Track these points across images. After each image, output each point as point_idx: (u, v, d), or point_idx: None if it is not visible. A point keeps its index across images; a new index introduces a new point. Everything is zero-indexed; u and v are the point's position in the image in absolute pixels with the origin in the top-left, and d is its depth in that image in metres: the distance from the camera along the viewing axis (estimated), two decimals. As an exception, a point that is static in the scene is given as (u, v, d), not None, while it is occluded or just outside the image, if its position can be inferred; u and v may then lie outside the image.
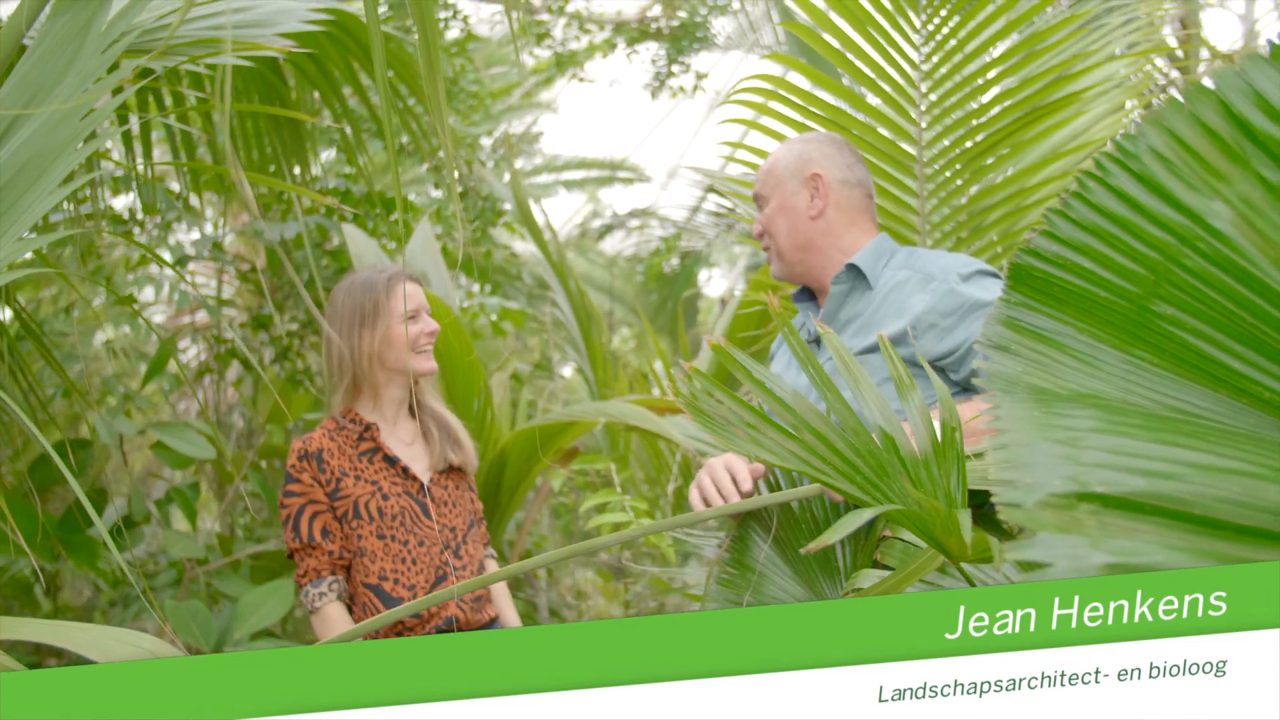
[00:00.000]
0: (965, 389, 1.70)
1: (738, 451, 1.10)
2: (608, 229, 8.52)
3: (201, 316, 5.06)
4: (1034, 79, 2.17)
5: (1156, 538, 0.70)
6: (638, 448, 3.33)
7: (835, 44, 2.12)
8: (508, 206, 5.45)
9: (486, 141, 6.38)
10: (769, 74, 2.17)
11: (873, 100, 2.22)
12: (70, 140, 1.95)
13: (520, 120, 7.55)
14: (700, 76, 5.63)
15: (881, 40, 2.12)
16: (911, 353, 1.68)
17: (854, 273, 1.77)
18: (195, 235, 4.64)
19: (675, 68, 5.47)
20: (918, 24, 2.11)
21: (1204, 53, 3.17)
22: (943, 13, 2.11)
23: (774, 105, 2.21)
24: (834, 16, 2.11)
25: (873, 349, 1.72)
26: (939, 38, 2.13)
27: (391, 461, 2.01)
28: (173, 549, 2.83)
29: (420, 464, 2.05)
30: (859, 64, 2.16)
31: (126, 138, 3.00)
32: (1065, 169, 2.30)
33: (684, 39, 5.32)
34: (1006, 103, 2.19)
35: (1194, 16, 3.31)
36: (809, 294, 1.90)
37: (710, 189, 5.24)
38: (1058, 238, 0.83)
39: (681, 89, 5.64)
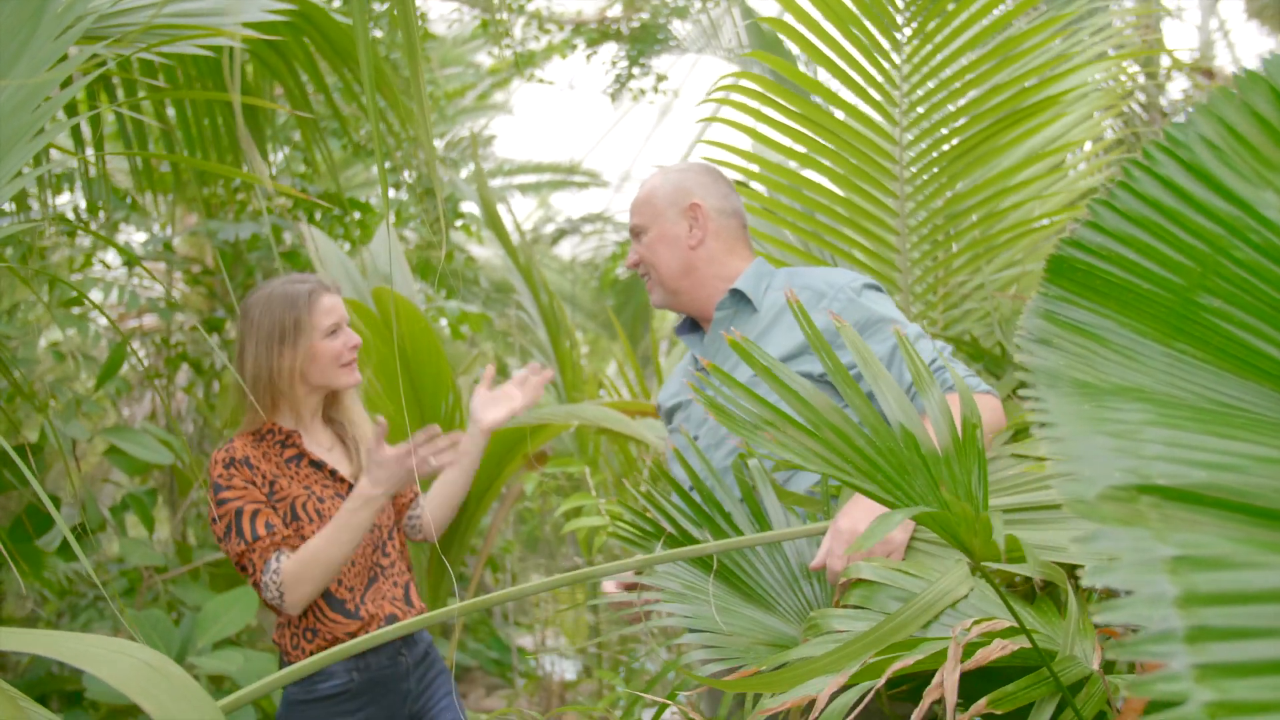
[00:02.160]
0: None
1: (759, 445, 1.08)
2: (561, 234, 8.46)
3: (149, 320, 4.92)
4: (1010, 83, 2.18)
5: (1219, 530, 0.69)
6: (607, 451, 3.29)
7: (817, 43, 2.11)
8: (465, 208, 5.38)
9: (439, 144, 6.29)
10: (748, 72, 2.15)
11: (853, 100, 2.22)
12: (23, 131, 1.87)
13: (474, 122, 7.48)
14: (660, 79, 5.62)
15: (865, 40, 2.12)
16: (807, 371, 1.70)
17: (737, 297, 1.81)
18: (143, 236, 4.51)
19: (635, 70, 5.45)
20: (900, 22, 2.11)
21: (1164, 60, 3.23)
22: (923, 16, 2.11)
23: (755, 105, 2.20)
24: (816, 15, 2.10)
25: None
26: (920, 38, 2.13)
27: (318, 465, 1.96)
28: (130, 557, 2.73)
29: (344, 468, 2.00)
30: (840, 63, 2.16)
31: (75, 131, 2.89)
32: (1040, 172, 2.32)
33: (645, 40, 5.30)
34: (984, 106, 2.20)
35: (1155, 24, 3.37)
36: (691, 325, 1.93)
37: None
38: (1102, 229, 0.82)
39: (642, 91, 5.63)
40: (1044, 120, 2.21)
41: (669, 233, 1.82)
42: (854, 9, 2.09)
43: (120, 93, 2.69)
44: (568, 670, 3.87)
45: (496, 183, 8.78)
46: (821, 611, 1.42)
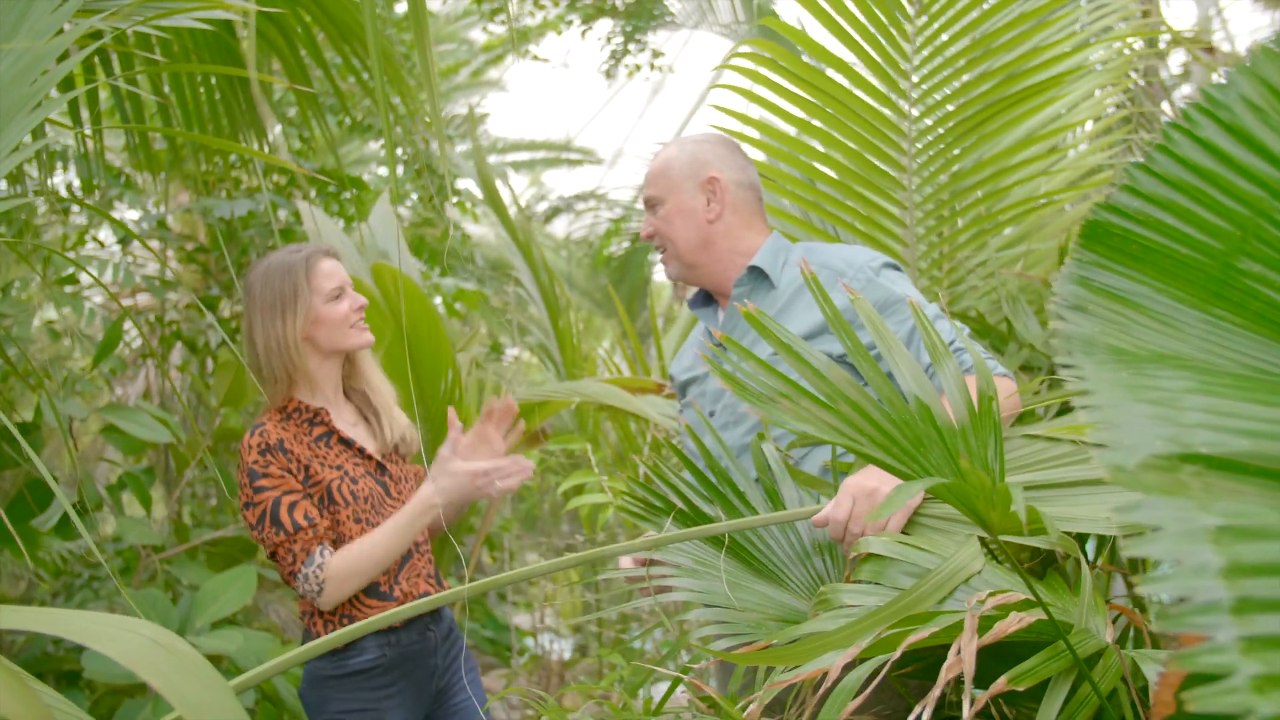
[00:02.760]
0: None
1: (777, 417, 1.06)
2: (555, 211, 8.42)
3: (143, 299, 4.87)
4: (1016, 61, 2.16)
5: (1263, 499, 0.68)
6: (606, 428, 3.28)
7: (831, 12, 2.09)
8: (460, 185, 5.34)
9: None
10: (762, 40, 2.13)
11: (864, 73, 2.19)
12: (22, 104, 1.84)
13: (468, 99, 7.41)
14: (656, 55, 5.57)
15: (878, 12, 2.09)
16: (826, 350, 1.68)
17: (755, 274, 1.79)
18: (136, 214, 4.47)
19: (631, 46, 5.40)
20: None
21: (1163, 37, 3.21)
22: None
23: (768, 74, 2.17)
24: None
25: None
26: (929, 15, 2.11)
27: (348, 444, 1.93)
28: (128, 535, 2.71)
29: (370, 445, 1.98)
30: (854, 34, 2.13)
31: (71, 107, 2.85)
32: (1043, 151, 2.30)
33: (640, 16, 5.24)
34: (989, 84, 2.18)
35: (1154, 2, 3.34)
36: (704, 298, 1.91)
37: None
38: (1139, 193, 0.80)
39: (638, 67, 5.58)
40: (1049, 98, 2.19)
41: (686, 205, 1.80)
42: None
43: (117, 67, 2.65)
44: (565, 649, 3.87)
45: (491, 160, 8.72)
46: (832, 586, 1.40)
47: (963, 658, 1.03)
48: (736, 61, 2.17)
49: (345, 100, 3.01)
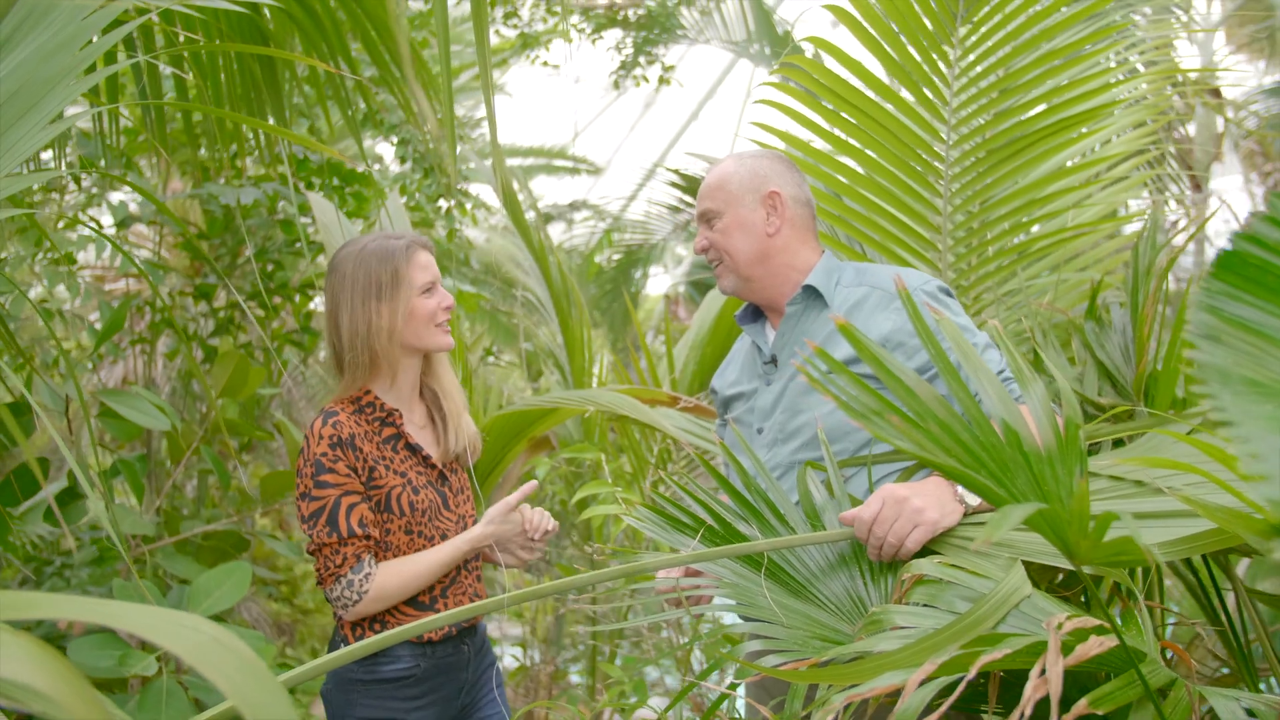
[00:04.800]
0: None
1: (879, 434, 1.04)
2: (547, 219, 8.38)
3: (134, 282, 4.78)
4: (1052, 93, 2.17)
5: None
6: (614, 439, 3.25)
7: (876, 35, 2.08)
8: (460, 186, 5.29)
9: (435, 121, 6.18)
10: (804, 57, 2.12)
11: (905, 95, 2.19)
12: (65, 73, 1.80)
13: (469, 101, 7.38)
14: (667, 69, 5.57)
15: (922, 38, 2.09)
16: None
17: (809, 293, 1.79)
18: (136, 198, 4.39)
19: (641, 58, 5.39)
20: (957, 21, 2.09)
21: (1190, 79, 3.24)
22: (982, 11, 2.08)
23: (807, 91, 2.16)
24: (876, 7, 2.07)
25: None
26: (975, 38, 2.11)
27: (414, 450, 1.89)
28: (119, 524, 2.64)
29: (434, 451, 1.94)
30: (895, 56, 2.13)
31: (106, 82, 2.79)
32: (1077, 183, 2.31)
33: (650, 27, 5.24)
34: (1028, 114, 2.18)
35: (1171, 45, 3.38)
36: (754, 314, 1.91)
37: (676, 185, 5.17)
38: (1282, 224, 0.79)
39: (645, 79, 5.58)
40: (1082, 133, 2.20)
41: (745, 219, 1.80)
42: (915, 5, 2.06)
43: (139, 46, 2.60)
44: (554, 662, 3.82)
45: (486, 164, 8.67)
46: (884, 608, 1.39)
47: (1048, 678, 1.01)
48: (778, 79, 2.16)
49: (366, 91, 2.97)
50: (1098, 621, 1.14)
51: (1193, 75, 3.95)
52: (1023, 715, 0.98)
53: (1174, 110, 3.35)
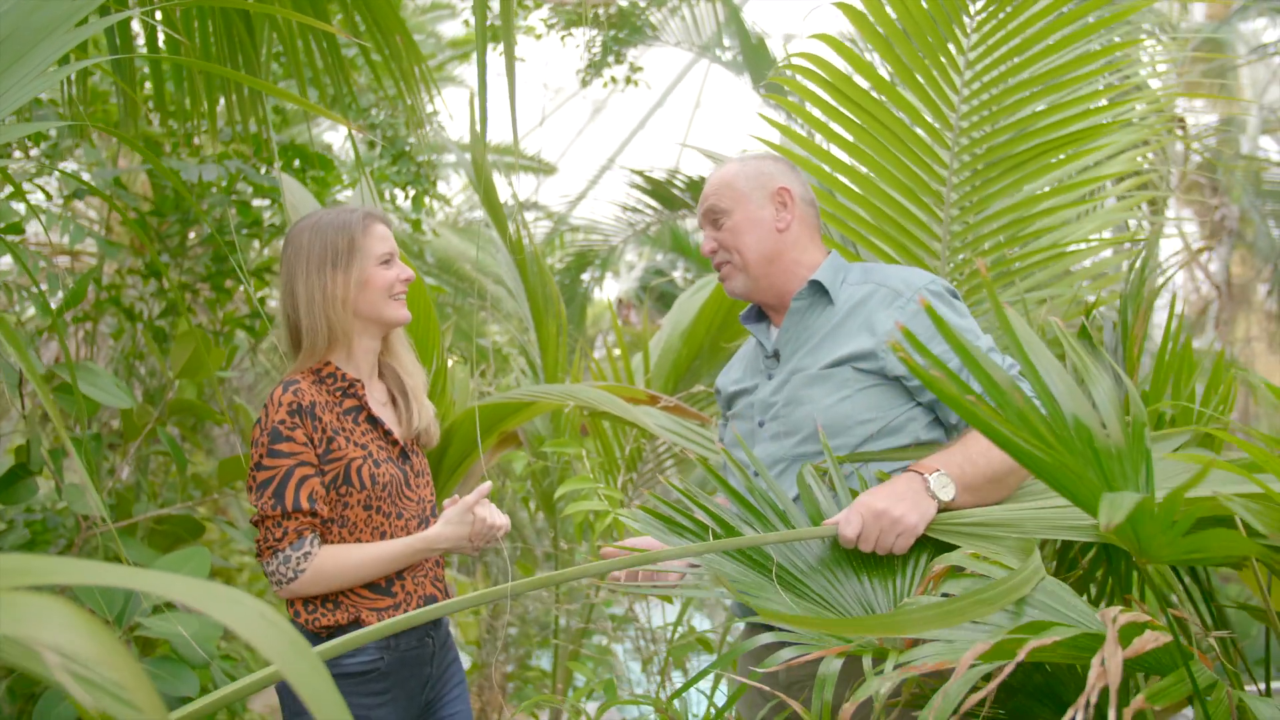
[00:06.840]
0: (930, 409, 1.71)
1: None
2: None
3: (78, 261, 4.58)
4: (1057, 108, 2.19)
5: None
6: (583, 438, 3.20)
7: (887, 37, 2.08)
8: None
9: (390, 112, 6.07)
10: (812, 54, 2.11)
11: (912, 99, 2.19)
12: (59, 21, 1.72)
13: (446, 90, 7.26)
14: (635, 69, 5.55)
15: (932, 40, 2.09)
16: (881, 366, 1.68)
17: (815, 289, 1.79)
18: (81, 170, 4.21)
19: (610, 58, 5.36)
20: (969, 27, 2.09)
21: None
22: (991, 22, 2.09)
23: (814, 89, 2.15)
24: (887, 8, 2.06)
25: (837, 363, 1.72)
26: (984, 46, 2.12)
27: (375, 423, 1.83)
28: (72, 505, 2.51)
29: (396, 429, 1.89)
30: (905, 60, 2.13)
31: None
32: (1074, 200, 2.33)
33: (621, 27, 5.21)
34: (1033, 126, 2.20)
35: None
36: (757, 315, 1.91)
37: (638, 186, 5.14)
38: None
39: (613, 79, 5.55)
40: (1082, 149, 2.22)
41: (755, 216, 1.79)
42: (926, 6, 2.06)
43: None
44: (506, 661, 3.75)
45: (465, 157, 8.54)
46: (913, 599, 1.39)
47: (1107, 669, 1.00)
48: (787, 76, 2.15)
49: (346, 70, 2.89)
50: (1147, 618, 1.14)
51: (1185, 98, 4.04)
52: (1088, 703, 0.96)
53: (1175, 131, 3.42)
